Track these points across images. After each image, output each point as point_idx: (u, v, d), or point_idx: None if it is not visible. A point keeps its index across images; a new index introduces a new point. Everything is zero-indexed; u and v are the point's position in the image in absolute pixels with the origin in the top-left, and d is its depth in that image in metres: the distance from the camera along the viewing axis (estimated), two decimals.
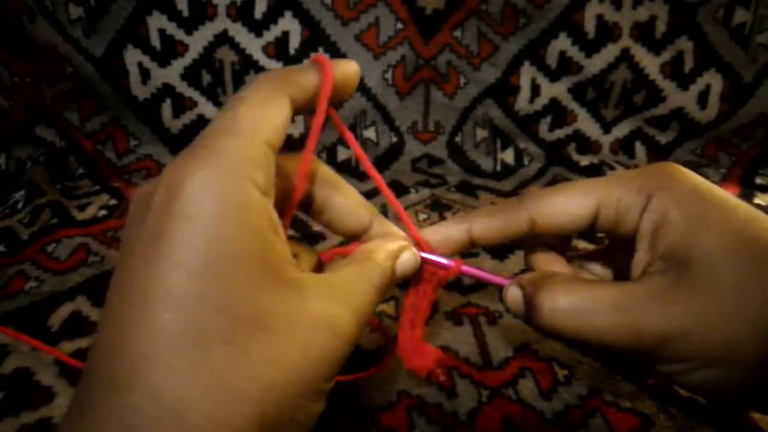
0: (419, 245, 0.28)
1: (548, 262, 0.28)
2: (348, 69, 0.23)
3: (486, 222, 0.27)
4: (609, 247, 0.29)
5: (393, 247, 0.25)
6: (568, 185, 0.26)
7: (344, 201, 0.26)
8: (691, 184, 0.23)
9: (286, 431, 0.17)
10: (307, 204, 0.26)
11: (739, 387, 0.20)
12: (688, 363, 0.20)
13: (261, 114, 0.19)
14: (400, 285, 0.28)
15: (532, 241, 0.29)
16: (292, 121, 0.23)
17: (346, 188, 0.26)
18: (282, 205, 0.23)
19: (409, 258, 0.26)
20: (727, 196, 0.22)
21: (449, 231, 0.28)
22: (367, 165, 0.26)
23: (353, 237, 0.27)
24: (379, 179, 0.26)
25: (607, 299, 0.22)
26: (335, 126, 0.25)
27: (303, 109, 0.22)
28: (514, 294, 0.26)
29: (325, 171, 0.26)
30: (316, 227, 0.60)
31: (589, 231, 0.26)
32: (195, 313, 0.16)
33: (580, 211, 0.25)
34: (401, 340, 0.28)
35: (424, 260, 0.28)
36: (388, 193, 0.27)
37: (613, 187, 0.24)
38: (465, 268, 0.28)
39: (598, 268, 0.30)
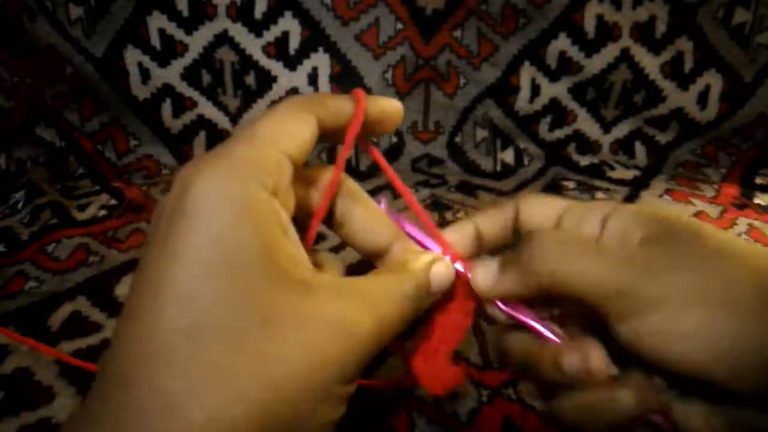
0: (453, 259, 0.26)
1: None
2: (387, 106, 0.24)
3: (487, 217, 0.28)
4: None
5: (427, 259, 0.24)
6: (549, 195, 0.28)
7: (365, 216, 0.25)
8: (648, 207, 0.25)
9: None
10: (327, 215, 0.25)
11: (699, 347, 0.19)
12: (646, 320, 0.20)
13: (280, 126, 0.20)
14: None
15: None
16: (326, 145, 0.24)
17: (369, 203, 0.25)
18: (306, 216, 0.23)
19: (443, 269, 0.24)
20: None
21: (463, 228, 0.27)
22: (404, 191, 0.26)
23: (372, 256, 0.26)
24: (410, 196, 0.26)
25: (595, 246, 0.22)
26: (374, 160, 0.25)
27: (333, 135, 0.22)
28: (487, 267, 0.25)
29: (350, 184, 0.25)
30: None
31: None
32: (195, 309, 0.16)
33: (551, 208, 0.26)
34: (419, 356, 0.26)
35: (459, 274, 0.26)
36: (418, 207, 0.26)
37: (577, 203, 0.26)
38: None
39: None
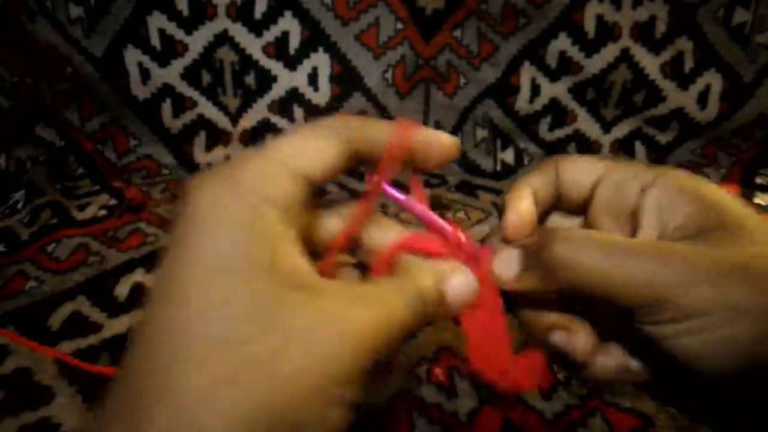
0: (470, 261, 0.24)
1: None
2: (435, 138, 0.23)
3: (535, 177, 0.27)
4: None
5: (439, 268, 0.23)
6: (588, 156, 0.27)
7: (379, 233, 0.24)
8: (690, 179, 0.24)
9: None
10: (354, 246, 0.24)
11: (732, 355, 0.19)
12: (687, 324, 0.19)
13: (299, 144, 0.20)
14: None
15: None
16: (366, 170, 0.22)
17: (383, 219, 0.24)
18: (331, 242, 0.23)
19: (462, 281, 0.23)
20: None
21: (525, 195, 0.26)
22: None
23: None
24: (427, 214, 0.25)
25: (621, 245, 0.21)
26: (416, 197, 0.24)
27: (369, 161, 0.22)
28: (509, 255, 0.24)
29: (373, 216, 0.24)
30: None
31: (585, 202, 0.26)
32: (200, 314, 0.17)
33: (589, 171, 0.25)
34: (486, 366, 0.24)
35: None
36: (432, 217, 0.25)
37: (620, 165, 0.25)
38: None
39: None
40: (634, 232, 0.24)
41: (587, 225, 0.27)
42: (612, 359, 0.23)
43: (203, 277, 0.17)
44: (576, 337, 0.23)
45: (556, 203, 0.27)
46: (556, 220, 0.28)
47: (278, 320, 0.17)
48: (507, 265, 0.24)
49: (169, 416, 0.15)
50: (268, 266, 0.18)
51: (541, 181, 0.26)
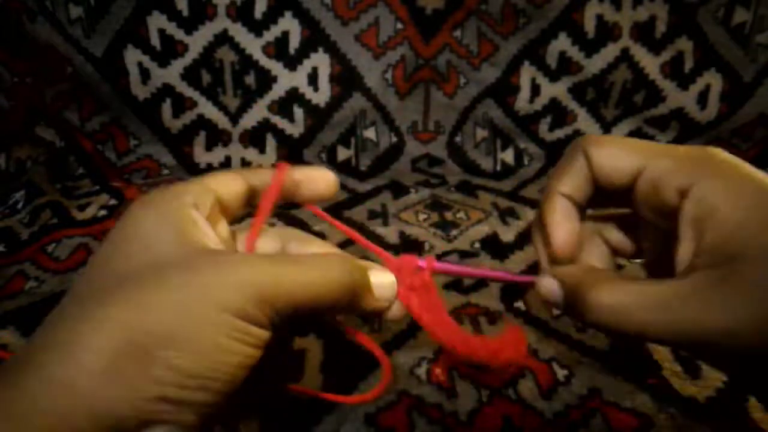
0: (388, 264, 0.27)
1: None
2: (313, 173, 0.27)
3: (565, 178, 0.27)
4: (632, 218, 0.28)
5: (365, 263, 0.25)
6: (621, 139, 0.26)
7: (316, 249, 0.27)
8: (740, 174, 0.22)
9: (182, 360, 0.18)
10: None
11: None
12: (732, 361, 0.20)
13: (210, 177, 0.25)
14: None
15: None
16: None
17: (317, 241, 0.28)
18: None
19: (385, 275, 0.25)
20: None
21: (564, 216, 0.27)
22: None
23: None
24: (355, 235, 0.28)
25: (653, 297, 0.21)
26: (319, 216, 0.28)
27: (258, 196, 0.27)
28: (551, 285, 0.26)
29: (295, 232, 0.28)
30: (316, 226, 0.60)
31: (627, 193, 0.25)
32: (105, 275, 0.21)
33: (625, 164, 0.24)
34: (449, 344, 0.26)
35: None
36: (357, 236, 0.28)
37: (658, 155, 0.24)
38: (438, 264, 0.27)
39: (615, 236, 0.29)
40: (675, 242, 0.23)
41: (635, 214, 0.26)
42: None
43: (119, 251, 0.21)
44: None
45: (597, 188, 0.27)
46: (596, 251, 0.29)
47: (173, 262, 0.20)
48: (552, 294, 0.26)
49: (48, 345, 0.18)
50: (174, 239, 0.21)
51: (574, 183, 0.26)
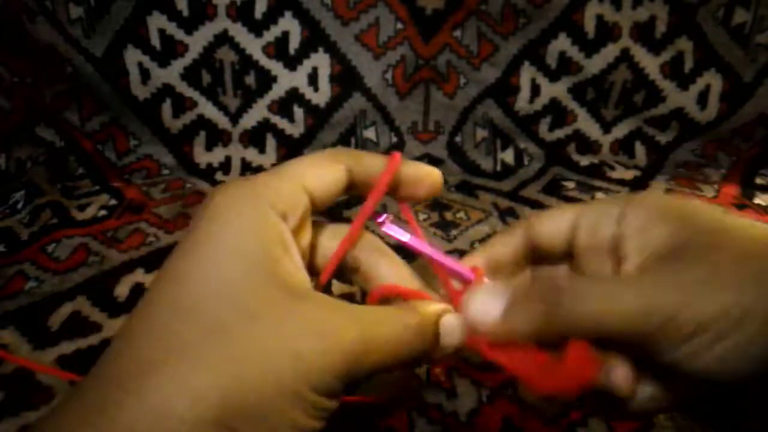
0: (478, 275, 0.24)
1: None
2: (423, 172, 0.24)
3: (498, 244, 0.27)
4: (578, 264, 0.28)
5: (437, 307, 0.23)
6: (556, 207, 0.27)
7: (391, 271, 0.24)
8: (665, 197, 0.25)
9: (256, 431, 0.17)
10: (354, 269, 0.25)
11: (752, 361, 0.19)
12: (696, 341, 0.20)
13: (305, 165, 0.22)
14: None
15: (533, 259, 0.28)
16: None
17: (395, 259, 0.25)
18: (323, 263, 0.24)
19: (452, 321, 0.22)
20: (702, 204, 0.23)
21: (472, 261, 0.26)
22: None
23: None
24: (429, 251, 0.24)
25: (611, 287, 0.21)
26: (407, 222, 0.25)
27: (364, 188, 0.24)
28: (488, 301, 0.23)
29: (373, 240, 0.25)
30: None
31: (566, 250, 0.26)
32: (191, 302, 0.18)
33: (561, 222, 0.26)
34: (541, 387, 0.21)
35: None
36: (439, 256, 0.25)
37: (591, 204, 0.25)
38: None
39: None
40: (620, 263, 0.24)
41: (574, 269, 0.27)
42: (648, 388, 0.22)
43: (206, 267, 0.18)
44: (616, 370, 0.21)
45: (536, 260, 0.27)
46: (544, 269, 0.28)
47: (262, 316, 0.18)
48: (487, 305, 0.22)
49: (139, 398, 0.16)
50: (267, 269, 0.19)
51: (502, 247, 0.27)
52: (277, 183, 0.21)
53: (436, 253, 0.25)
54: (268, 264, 0.19)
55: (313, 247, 0.24)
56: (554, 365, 0.21)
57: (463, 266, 0.25)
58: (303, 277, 0.20)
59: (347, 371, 0.18)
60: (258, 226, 0.19)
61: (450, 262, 0.25)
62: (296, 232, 0.21)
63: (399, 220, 0.24)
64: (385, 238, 0.25)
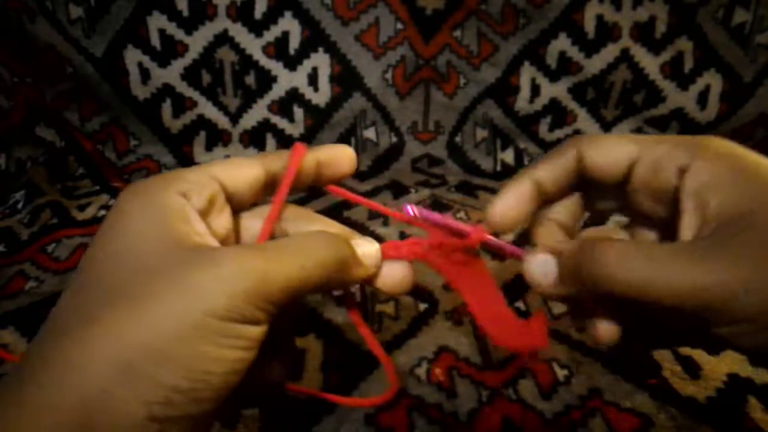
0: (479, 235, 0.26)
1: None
2: (335, 151, 0.26)
3: (546, 166, 0.26)
4: (631, 221, 0.28)
5: (347, 233, 0.25)
6: (614, 134, 0.26)
7: (322, 227, 0.26)
8: (736, 152, 0.23)
9: (176, 372, 0.18)
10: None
11: None
12: (744, 326, 0.19)
13: (217, 162, 0.24)
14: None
15: (581, 187, 0.27)
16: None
17: (324, 219, 0.26)
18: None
19: (367, 244, 0.25)
20: None
21: (519, 188, 0.25)
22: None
23: None
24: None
25: (665, 253, 0.21)
26: (343, 196, 0.27)
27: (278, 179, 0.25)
28: (543, 260, 0.25)
29: (299, 209, 0.26)
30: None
31: (623, 183, 0.25)
32: (94, 275, 0.20)
33: (621, 154, 0.24)
34: (489, 324, 0.25)
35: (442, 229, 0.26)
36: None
37: (655, 142, 0.24)
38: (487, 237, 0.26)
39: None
40: (675, 217, 0.23)
41: (623, 204, 0.26)
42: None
43: (116, 243, 0.21)
44: (602, 325, 0.24)
45: (586, 187, 0.26)
46: (591, 231, 0.27)
47: (160, 270, 0.19)
48: (542, 271, 0.24)
49: (48, 358, 0.18)
50: (161, 236, 0.20)
51: (551, 171, 0.26)
52: (183, 172, 0.23)
53: (451, 220, 0.26)
54: (168, 233, 0.20)
55: (237, 232, 0.25)
56: (518, 327, 0.25)
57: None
58: (206, 235, 0.22)
59: (255, 291, 0.19)
60: (159, 203, 0.21)
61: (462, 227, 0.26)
62: (206, 212, 0.22)
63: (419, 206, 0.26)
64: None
